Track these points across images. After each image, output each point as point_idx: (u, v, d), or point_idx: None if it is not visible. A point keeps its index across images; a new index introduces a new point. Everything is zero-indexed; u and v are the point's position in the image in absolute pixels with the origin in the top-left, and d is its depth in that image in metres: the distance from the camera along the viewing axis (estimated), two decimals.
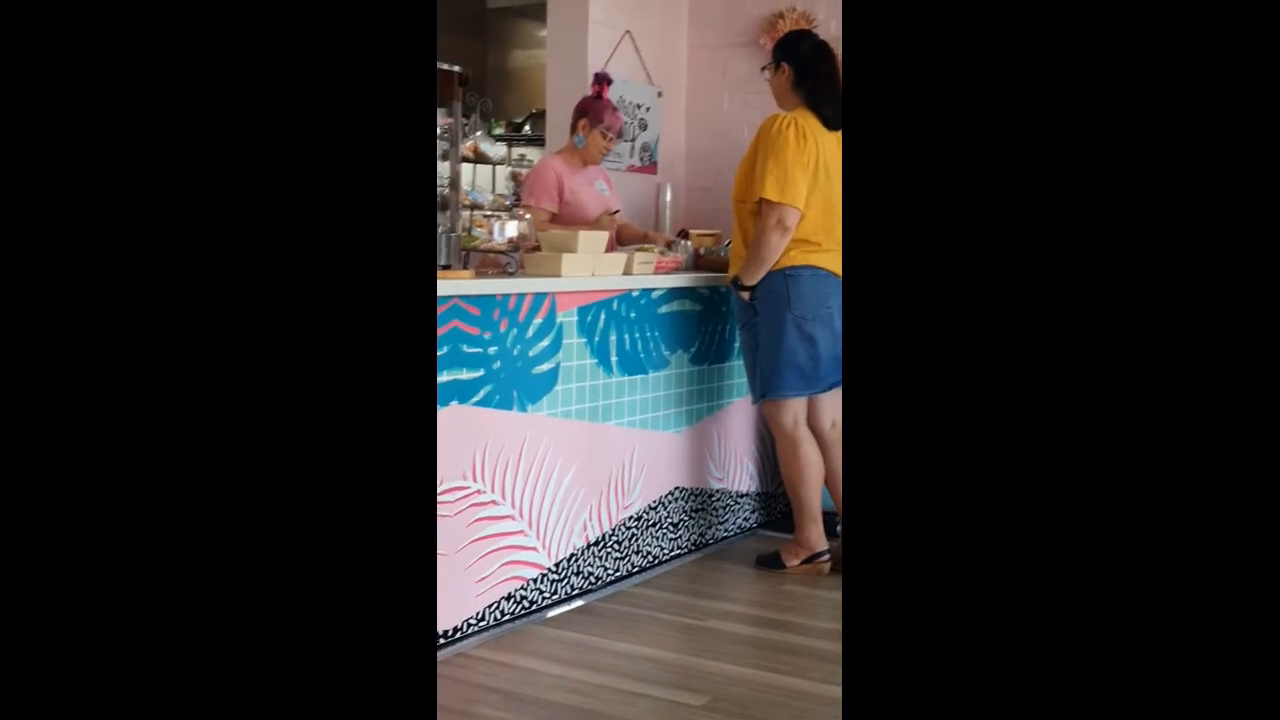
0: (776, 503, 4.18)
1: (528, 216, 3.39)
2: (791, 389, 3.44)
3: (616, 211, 4.12)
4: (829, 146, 3.41)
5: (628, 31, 5.53)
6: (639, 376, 3.48)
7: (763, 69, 3.66)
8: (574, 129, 4.11)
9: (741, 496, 4.01)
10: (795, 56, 3.49)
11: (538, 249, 3.41)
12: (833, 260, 3.41)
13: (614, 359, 3.37)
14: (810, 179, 3.34)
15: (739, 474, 3.99)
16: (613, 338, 3.36)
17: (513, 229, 3.31)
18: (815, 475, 3.51)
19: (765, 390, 3.48)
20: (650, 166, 5.76)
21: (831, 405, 3.58)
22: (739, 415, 3.97)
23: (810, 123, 3.39)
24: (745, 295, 3.46)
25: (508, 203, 3.34)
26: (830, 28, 5.59)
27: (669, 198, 5.80)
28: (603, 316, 3.32)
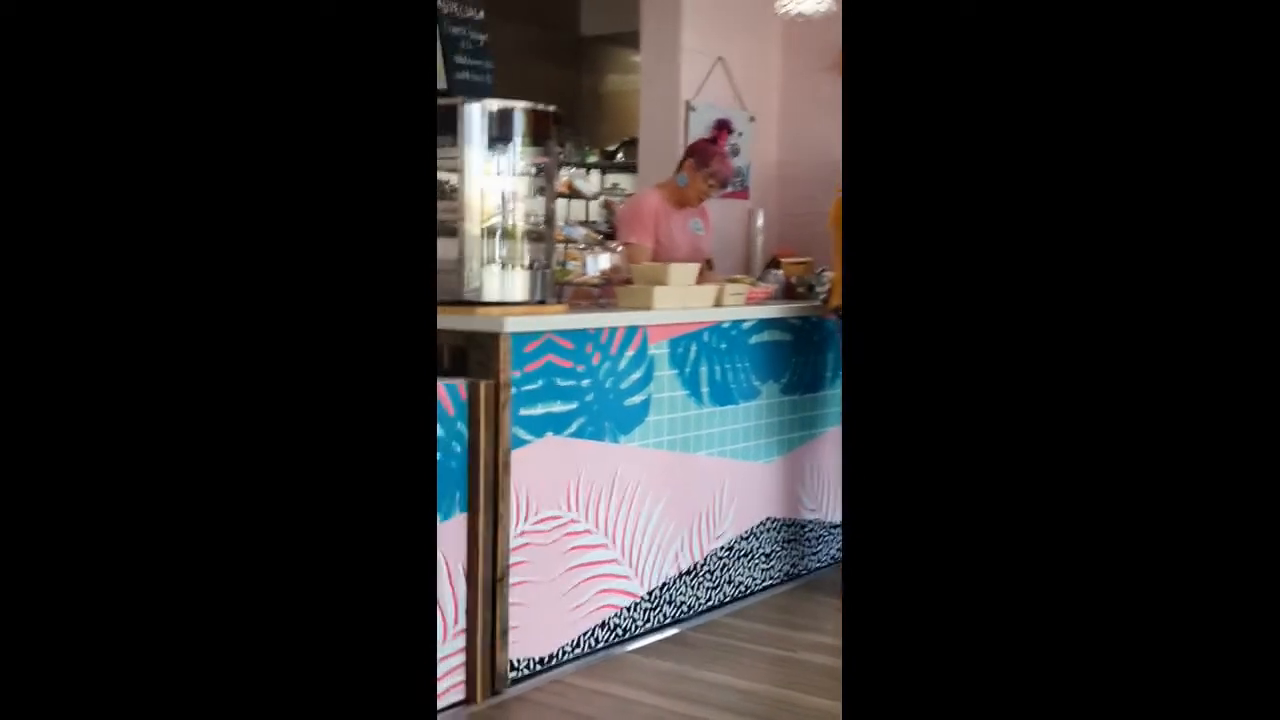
0: None
1: (621, 249, 3.43)
2: None
3: (709, 262, 4.15)
4: None
5: (720, 58, 5.57)
6: (729, 407, 3.50)
7: None
8: (680, 167, 4.14)
9: (834, 528, 4.00)
10: None
11: (629, 282, 3.46)
12: None
13: (705, 390, 3.40)
14: None
15: (831, 505, 3.98)
16: (703, 369, 3.39)
17: (605, 261, 3.36)
18: None
19: None
20: (743, 192, 5.78)
21: None
22: (831, 446, 3.96)
23: None
24: None
25: (599, 235, 3.39)
26: None
27: (761, 223, 5.82)
28: (694, 348, 3.35)
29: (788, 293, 4.07)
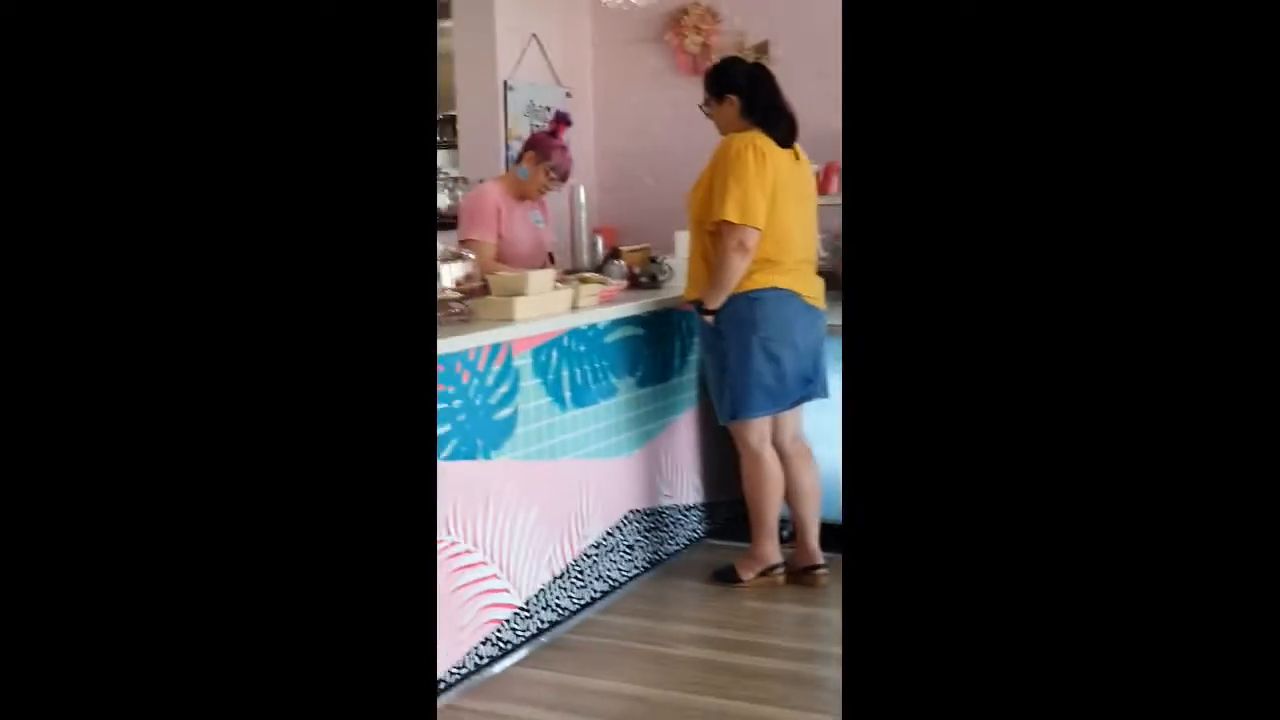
0: (720, 510, 4.27)
1: (471, 256, 3.38)
2: (760, 409, 3.52)
3: (552, 257, 4.13)
4: (784, 166, 3.48)
5: (534, 35, 5.51)
6: (591, 407, 3.53)
7: (701, 105, 3.69)
8: (519, 159, 4.09)
9: (689, 509, 4.09)
10: (737, 86, 3.54)
11: (485, 290, 3.41)
12: (793, 280, 3.49)
13: (567, 394, 3.41)
14: (769, 200, 3.40)
15: (685, 487, 4.07)
16: (565, 373, 3.40)
17: (459, 270, 3.31)
18: (777, 491, 3.61)
19: (735, 412, 3.55)
20: None
21: (793, 420, 3.68)
22: (684, 430, 4.04)
23: (767, 144, 3.44)
24: (709, 319, 3.52)
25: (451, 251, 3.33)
26: (734, 22, 5.65)
27: (583, 199, 5.82)
28: (554, 354, 3.35)
29: (630, 282, 4.10)
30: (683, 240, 4.25)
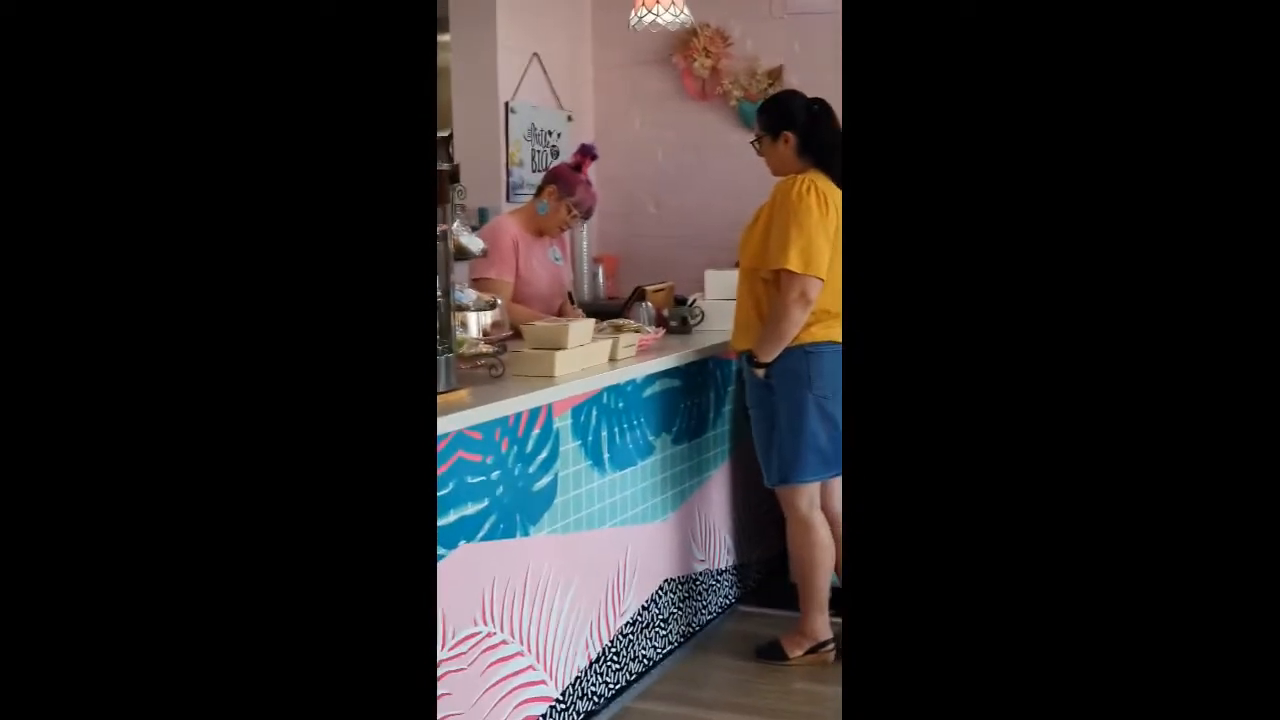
0: (751, 572, 3.95)
1: (499, 301, 3.02)
2: (812, 473, 3.20)
3: (571, 298, 3.79)
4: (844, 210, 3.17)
5: (535, 55, 5.18)
6: (629, 469, 3.19)
7: (753, 141, 3.37)
8: (539, 193, 3.75)
9: (721, 574, 3.76)
10: (795, 123, 3.22)
11: (514, 335, 3.08)
12: None
13: (606, 456, 3.07)
14: (831, 247, 3.09)
15: (719, 551, 3.74)
16: (604, 433, 3.06)
17: (486, 319, 2.96)
18: (828, 561, 3.29)
19: (785, 475, 3.23)
20: None
21: (842, 484, 3.36)
22: (717, 488, 3.72)
23: (827, 186, 3.13)
24: (760, 372, 3.20)
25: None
26: (746, 45, 5.35)
27: (585, 227, 5.48)
28: (594, 413, 3.01)
29: (659, 324, 3.77)
30: (714, 280, 3.94)
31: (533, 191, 5.21)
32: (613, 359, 3.13)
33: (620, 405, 3.13)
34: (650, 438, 3.30)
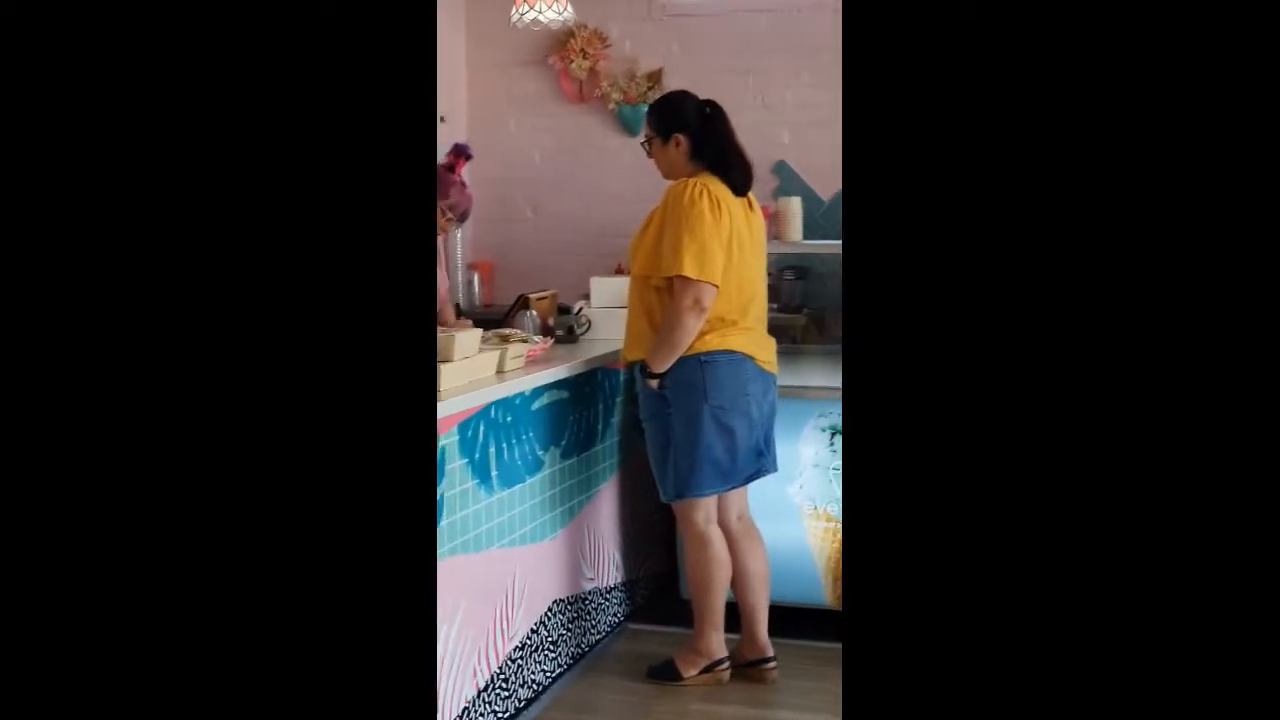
0: (639, 589, 3.83)
1: None
2: (709, 486, 3.09)
3: (459, 309, 3.61)
4: (739, 215, 3.06)
5: None
6: (517, 487, 3.04)
7: (642, 142, 3.25)
8: None
9: (610, 591, 3.64)
10: (686, 125, 3.10)
11: None
12: (749, 342, 3.07)
13: (494, 473, 2.92)
14: (725, 252, 2.99)
15: (607, 568, 3.61)
16: (492, 450, 2.90)
17: None
18: (724, 577, 3.19)
19: (681, 490, 3.11)
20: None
21: (740, 497, 3.26)
22: (606, 503, 3.59)
23: (720, 190, 3.02)
24: (654, 383, 3.08)
25: None
26: (625, 46, 5.25)
27: (459, 232, 5.30)
28: (481, 429, 2.85)
29: (545, 333, 3.62)
30: (600, 287, 3.82)
31: None
32: (500, 371, 2.98)
33: (508, 419, 2.98)
34: (539, 452, 3.16)
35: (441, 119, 5.20)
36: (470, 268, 5.33)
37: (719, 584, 3.20)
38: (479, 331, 2.93)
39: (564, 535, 3.32)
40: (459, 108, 5.41)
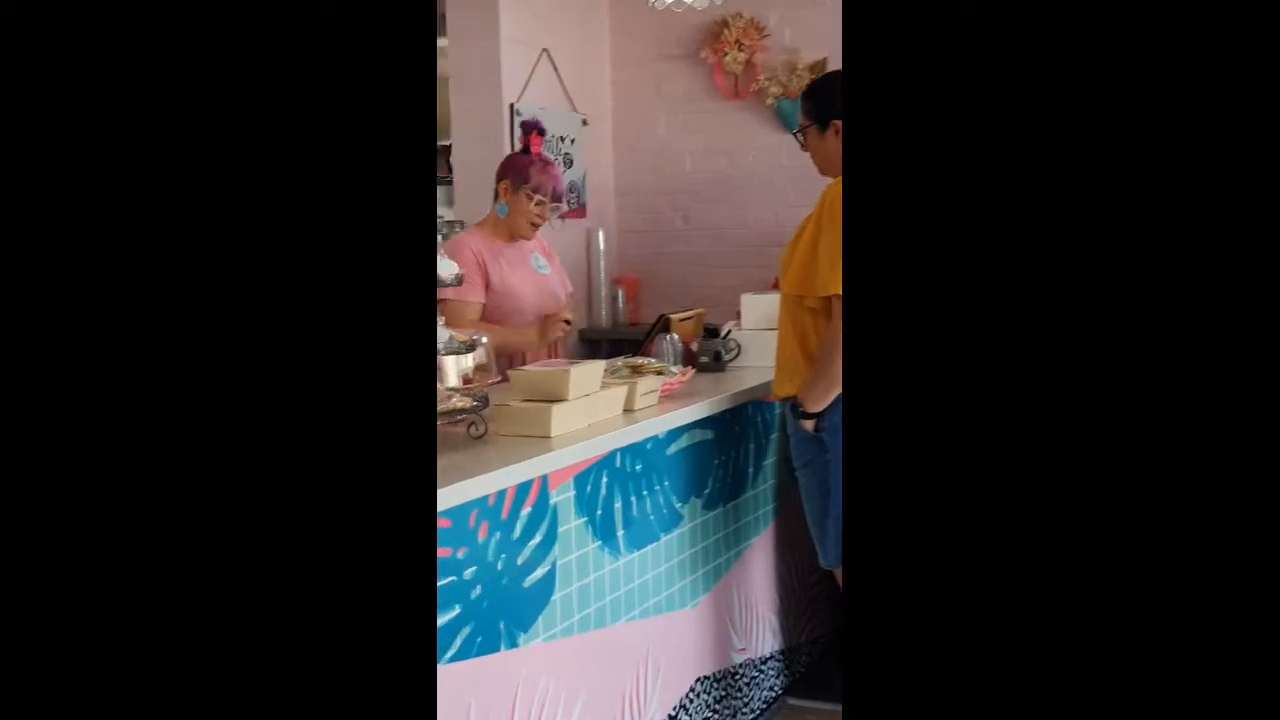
0: (800, 657, 3.30)
1: (483, 341, 2.40)
2: None
3: (567, 320, 3.15)
4: None
5: (545, 50, 4.57)
6: (650, 546, 2.55)
7: (795, 133, 2.74)
8: (496, 195, 3.15)
9: (765, 662, 3.11)
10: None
11: (503, 379, 2.47)
12: None
13: (620, 533, 2.44)
14: None
15: (762, 634, 3.09)
16: (617, 504, 2.43)
17: (468, 362, 2.34)
18: None
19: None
20: (579, 210, 4.82)
21: None
22: (759, 558, 3.07)
23: None
24: (810, 425, 2.56)
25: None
26: (784, 36, 4.72)
27: (602, 244, 4.88)
28: (604, 480, 2.38)
29: (687, 362, 3.13)
30: (752, 305, 3.30)
31: None
32: (629, 409, 2.50)
33: (638, 467, 2.50)
34: (677, 504, 2.67)
35: (584, 120, 4.78)
36: (615, 283, 4.90)
37: None
38: (600, 364, 2.46)
39: (708, 600, 2.82)
40: (603, 108, 4.97)
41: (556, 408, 2.22)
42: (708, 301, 4.05)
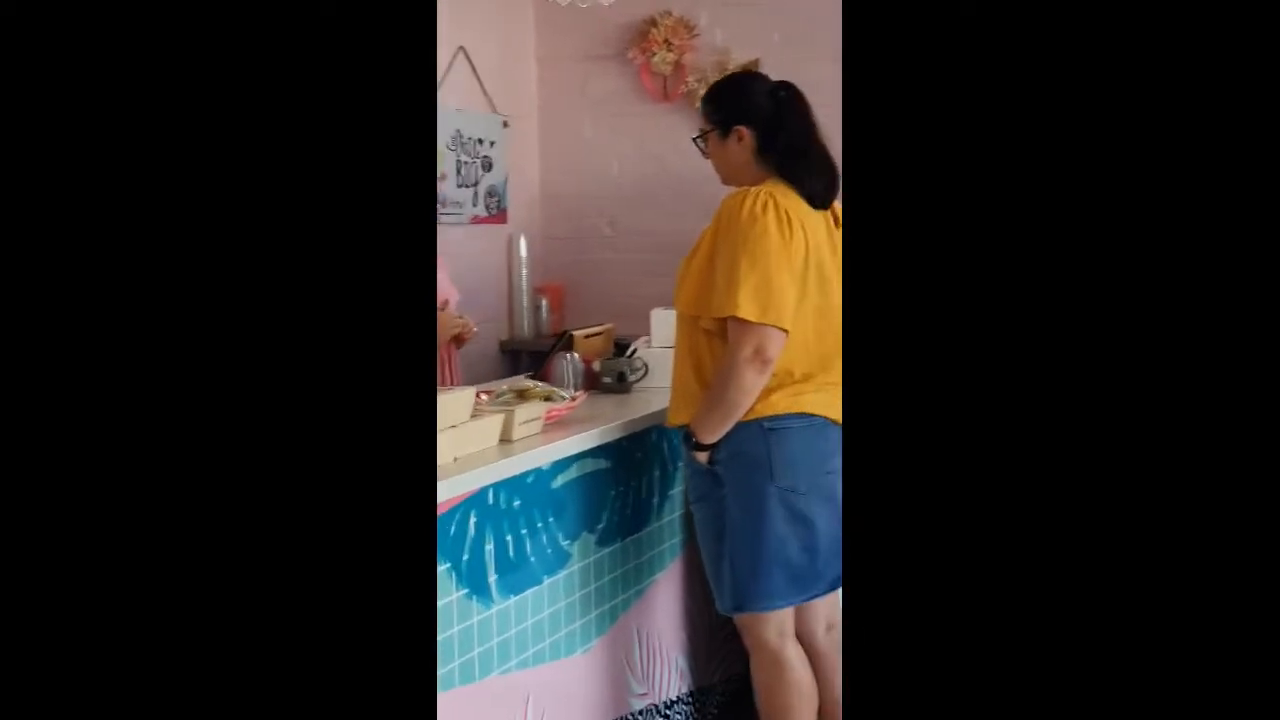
0: (711, 697, 3.08)
1: None
2: (781, 597, 2.32)
3: (446, 304, 2.94)
4: (819, 235, 2.30)
5: (461, 48, 4.34)
6: (530, 591, 2.33)
7: (695, 139, 2.52)
8: None
9: (671, 706, 2.89)
10: (754, 113, 2.36)
11: None
12: (831, 402, 2.30)
13: (493, 579, 2.21)
14: (800, 285, 2.23)
15: (667, 676, 2.87)
16: (489, 547, 2.20)
17: None
18: (807, 708, 2.42)
19: (740, 601, 2.36)
20: (499, 215, 4.59)
21: (827, 604, 2.49)
22: (664, 596, 2.85)
23: (792, 202, 2.26)
24: (703, 457, 2.34)
25: None
26: (715, 36, 4.51)
27: (524, 252, 4.65)
28: (472, 521, 2.15)
29: (589, 383, 2.91)
30: (663, 321, 3.08)
31: (457, 210, 4.37)
32: (506, 440, 2.27)
33: (516, 504, 2.27)
34: (564, 542, 2.44)
35: (505, 122, 4.55)
36: (537, 292, 4.67)
37: (798, 715, 2.43)
38: (471, 390, 2.23)
39: (603, 644, 2.59)
40: (529, 109, 4.74)
41: None
42: (636, 312, 3.82)
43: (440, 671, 2.06)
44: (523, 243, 4.64)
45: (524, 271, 4.64)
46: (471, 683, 2.15)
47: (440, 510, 2.04)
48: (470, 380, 3.49)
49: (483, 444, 2.21)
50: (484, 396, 2.50)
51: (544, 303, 4.67)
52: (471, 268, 4.40)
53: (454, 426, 2.11)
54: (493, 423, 2.23)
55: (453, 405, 2.11)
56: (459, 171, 4.32)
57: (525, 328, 4.64)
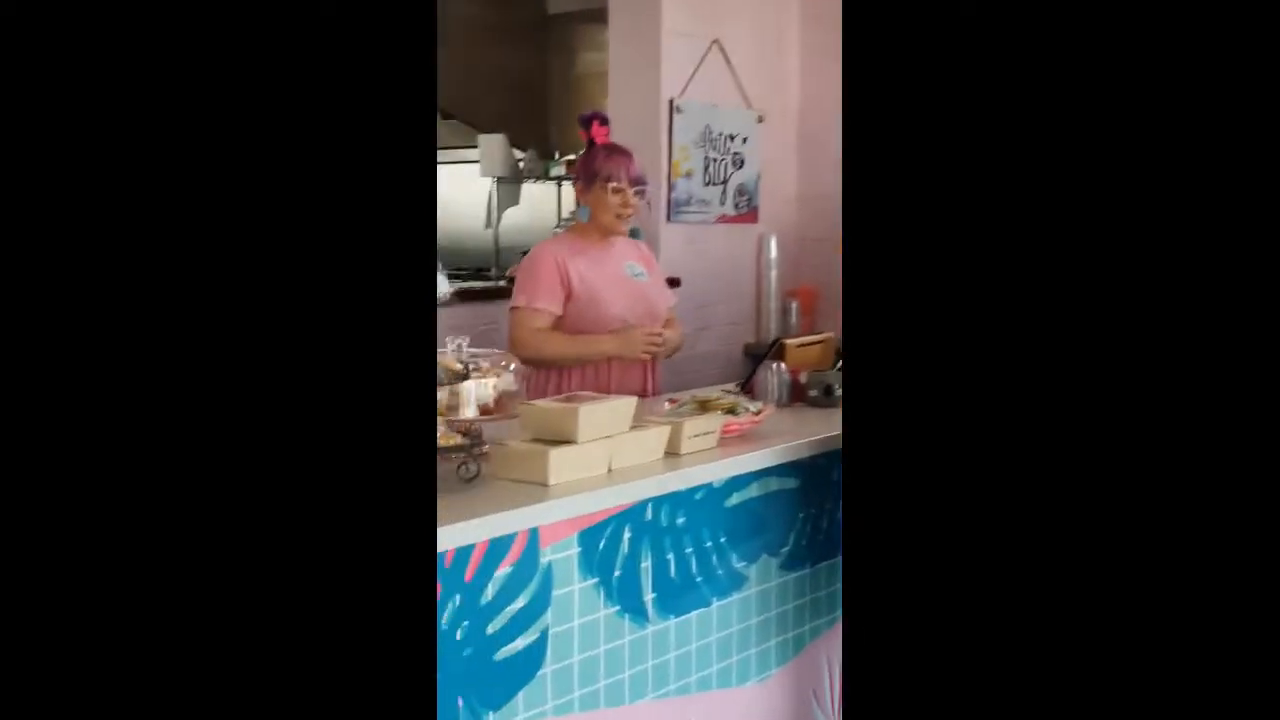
0: None
1: (512, 367, 2.11)
2: None
3: (658, 334, 2.84)
4: None
5: (715, 41, 4.24)
6: (695, 613, 2.20)
7: None
8: (576, 204, 2.89)
9: None
10: None
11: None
12: None
13: (649, 597, 2.10)
14: None
15: None
16: (646, 563, 2.09)
17: (486, 391, 2.06)
18: None
19: None
20: (749, 214, 4.46)
21: None
22: None
23: None
24: None
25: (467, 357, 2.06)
26: None
27: (774, 253, 4.50)
28: (626, 536, 2.04)
29: (795, 395, 2.75)
30: None
31: (704, 208, 4.28)
32: (673, 452, 2.16)
33: (680, 520, 2.15)
34: (739, 564, 2.30)
35: (759, 118, 4.42)
36: (788, 295, 4.51)
37: None
38: (632, 400, 2.12)
39: (784, 674, 2.43)
40: (787, 105, 4.59)
41: (556, 452, 1.91)
42: None
43: (581, 691, 1.97)
44: (773, 243, 4.50)
45: (773, 273, 4.50)
46: (620, 705, 2.05)
47: (589, 523, 1.96)
48: (706, 384, 3.40)
49: (645, 456, 2.10)
50: (668, 405, 2.40)
51: (794, 306, 4.52)
52: (717, 268, 4.31)
53: (608, 437, 2.01)
54: (656, 435, 2.12)
55: (605, 416, 2.02)
56: (706, 169, 4.22)
57: (773, 331, 4.49)
